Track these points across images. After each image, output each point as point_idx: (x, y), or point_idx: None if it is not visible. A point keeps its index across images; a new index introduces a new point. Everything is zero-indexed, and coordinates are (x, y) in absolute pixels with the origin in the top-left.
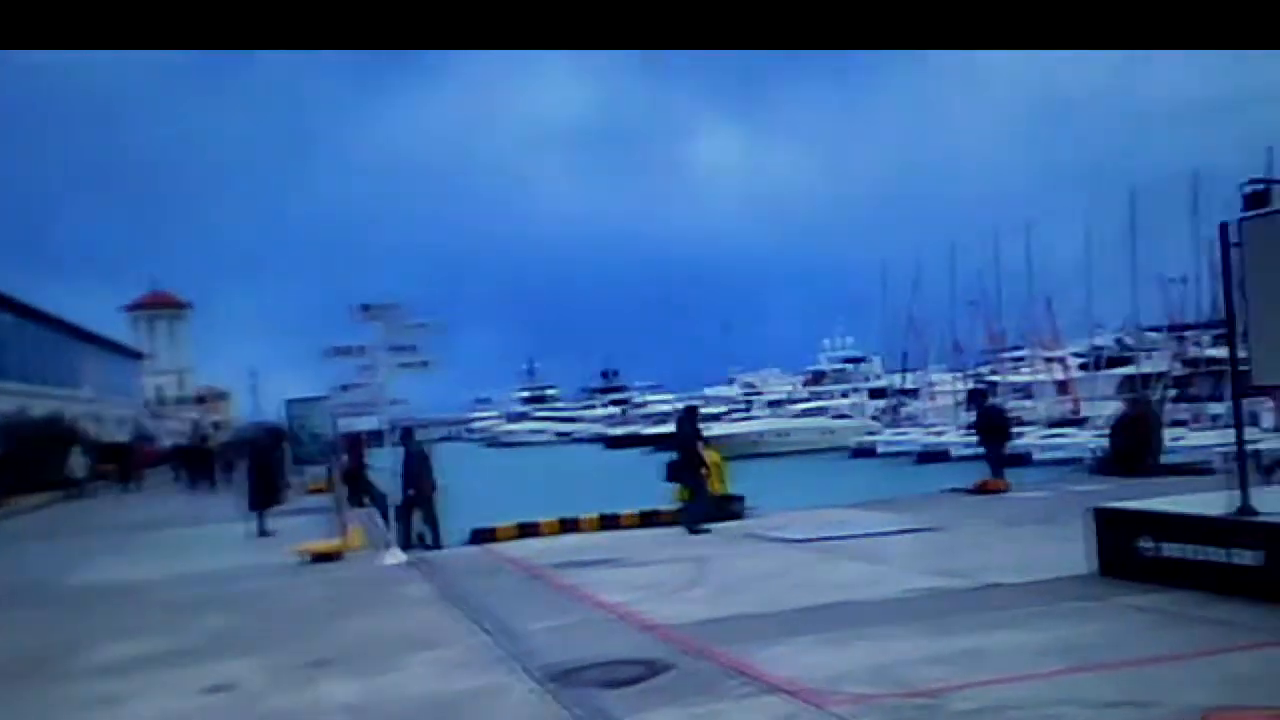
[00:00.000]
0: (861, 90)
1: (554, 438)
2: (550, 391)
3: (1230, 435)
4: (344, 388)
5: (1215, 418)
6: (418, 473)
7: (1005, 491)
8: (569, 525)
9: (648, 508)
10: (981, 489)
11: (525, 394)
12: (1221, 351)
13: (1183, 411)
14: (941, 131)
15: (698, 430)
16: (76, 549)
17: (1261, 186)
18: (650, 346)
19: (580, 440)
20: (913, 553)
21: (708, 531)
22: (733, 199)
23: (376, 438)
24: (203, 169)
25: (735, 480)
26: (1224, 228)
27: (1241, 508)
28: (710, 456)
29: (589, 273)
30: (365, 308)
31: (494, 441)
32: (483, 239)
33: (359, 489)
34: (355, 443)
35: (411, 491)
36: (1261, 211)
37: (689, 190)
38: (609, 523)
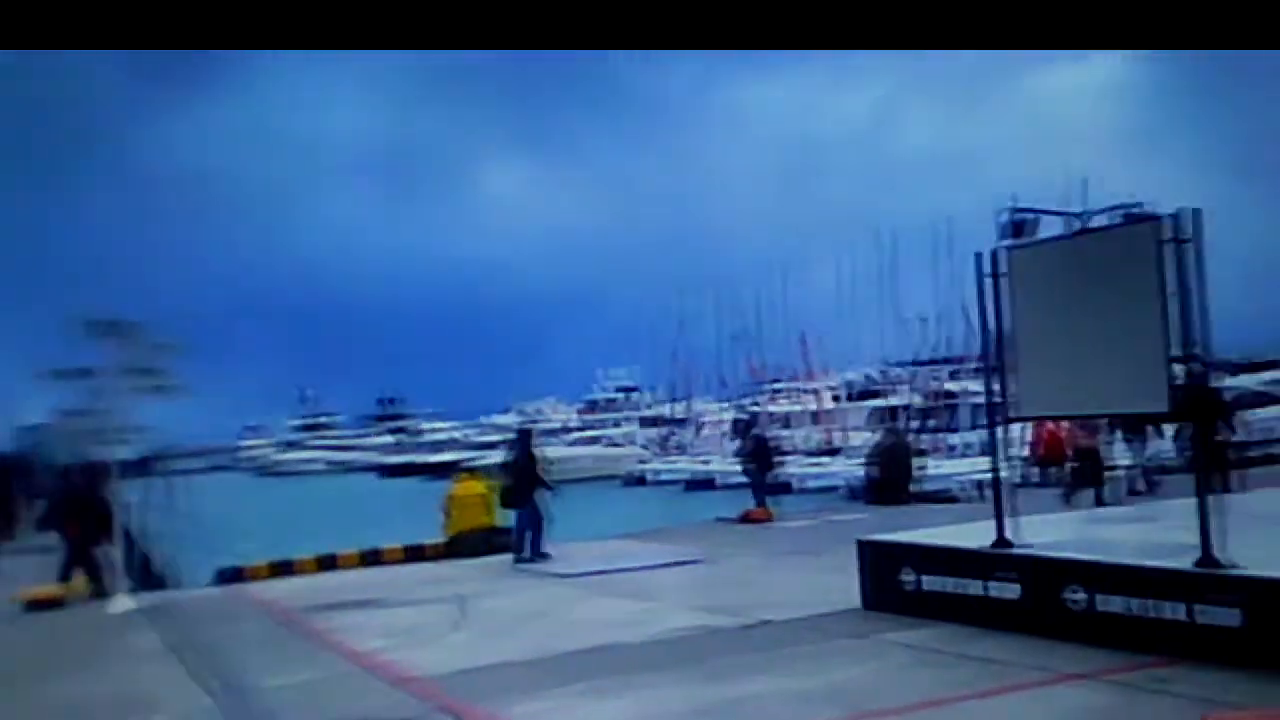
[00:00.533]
0: (641, 127)
1: (328, 467)
2: (326, 419)
3: (967, 464)
4: (67, 414)
5: (952, 448)
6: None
7: (770, 521)
8: (327, 563)
9: (413, 542)
10: (747, 519)
11: (299, 422)
12: (957, 385)
13: (924, 442)
14: (713, 172)
15: (533, 453)
16: None
17: (1022, 217)
18: (431, 373)
19: (357, 469)
20: (682, 587)
21: (548, 556)
22: (515, 227)
23: (138, 467)
24: None
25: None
26: (979, 258)
27: (998, 540)
28: (476, 487)
29: (370, 296)
30: (93, 325)
31: (266, 471)
32: (258, 257)
33: (99, 525)
34: (94, 473)
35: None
36: (1026, 241)
37: (472, 217)
38: (371, 559)
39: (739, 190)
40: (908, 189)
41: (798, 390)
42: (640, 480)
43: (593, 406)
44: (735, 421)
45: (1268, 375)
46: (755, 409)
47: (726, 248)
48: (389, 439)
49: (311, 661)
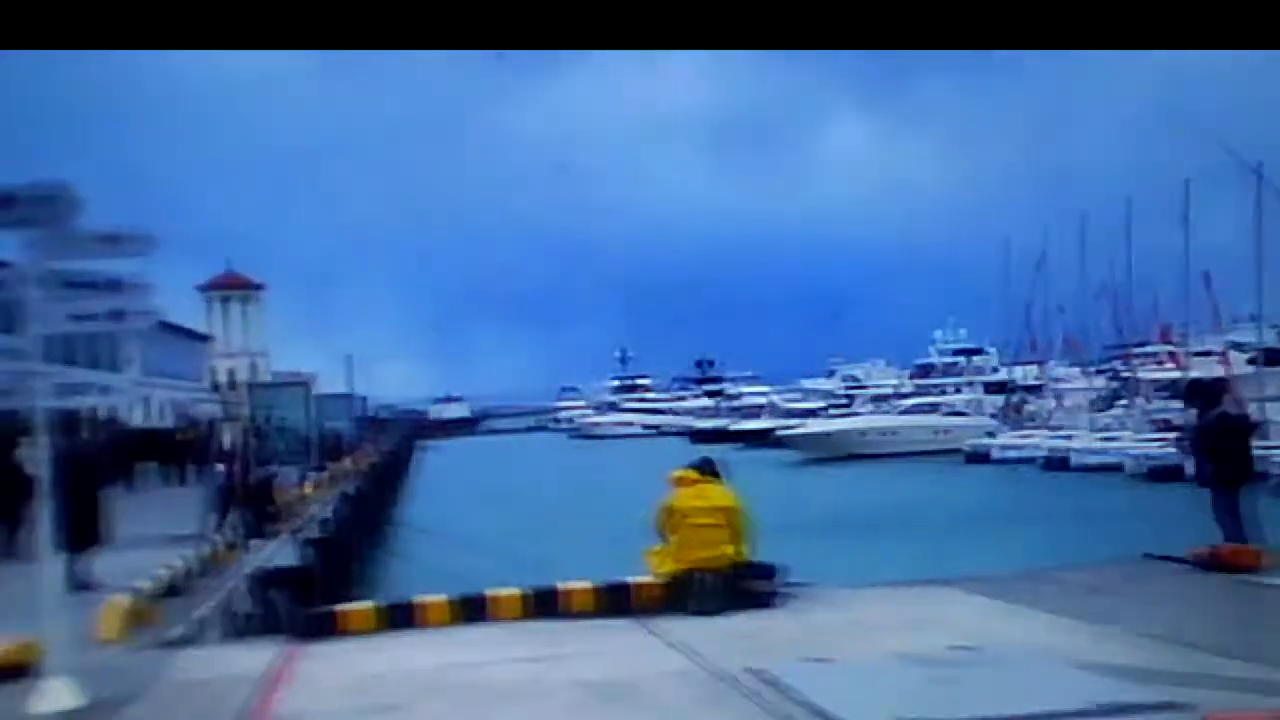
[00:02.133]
0: (992, 82)
1: (642, 430)
2: (643, 381)
3: None
4: None
5: None
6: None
7: (1258, 568)
8: (473, 609)
9: (619, 579)
10: (1219, 562)
11: (616, 384)
12: None
13: None
14: (1076, 122)
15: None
16: None
17: None
18: (750, 334)
19: (671, 434)
20: None
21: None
22: (846, 185)
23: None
24: (332, 155)
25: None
26: None
27: None
28: (713, 494)
29: (693, 259)
30: (4, 201)
31: (580, 434)
32: (590, 227)
33: (254, 508)
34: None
35: None
36: None
37: (799, 177)
38: (544, 606)
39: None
40: None
41: (1194, 352)
42: (984, 457)
43: (927, 371)
44: (1192, 385)
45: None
46: (1125, 375)
47: (1090, 187)
48: (705, 403)
49: None
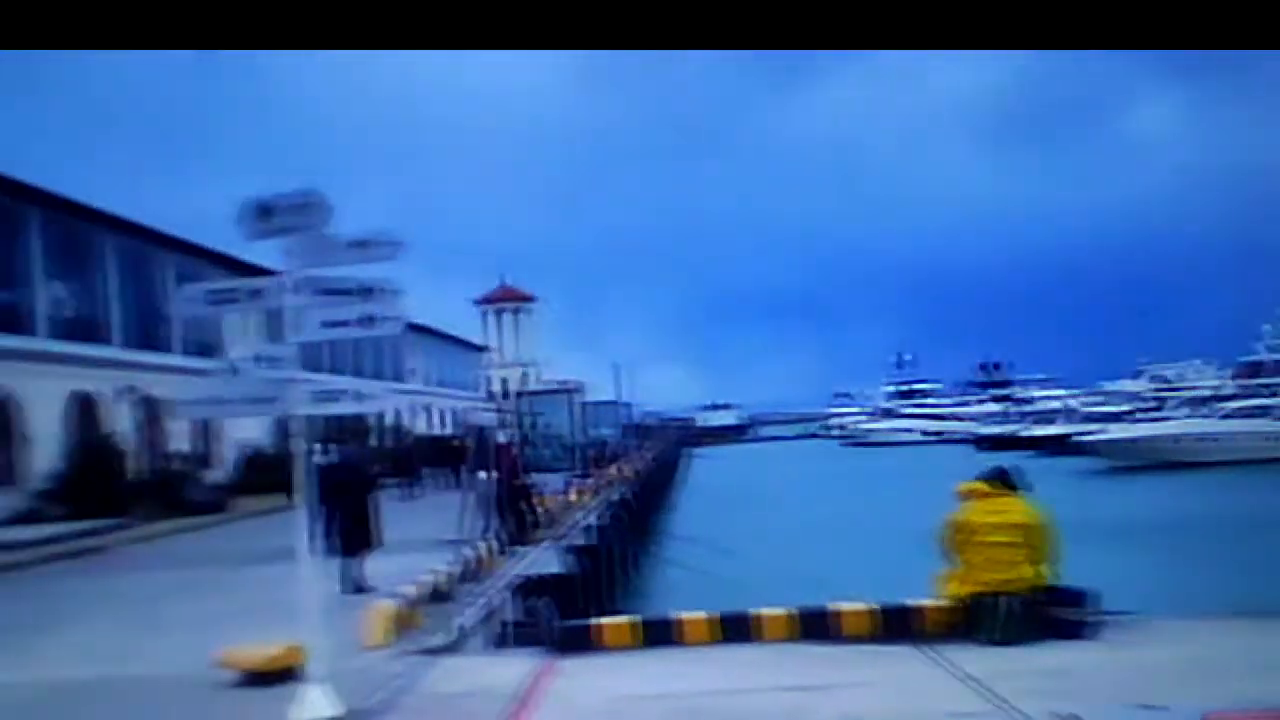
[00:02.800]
0: None
1: (922, 437)
2: (923, 385)
3: None
4: (234, 367)
5: None
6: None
7: None
8: (735, 628)
9: (898, 600)
10: None
11: (894, 388)
12: None
13: None
14: None
15: None
16: (99, 593)
17: None
18: (1042, 335)
19: (954, 441)
20: None
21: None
22: (1153, 175)
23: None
24: (600, 165)
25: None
26: None
27: None
28: (1010, 508)
29: (977, 252)
30: (263, 210)
31: (855, 441)
32: (868, 228)
33: (514, 511)
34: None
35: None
36: None
37: (1097, 168)
38: (814, 627)
39: None
40: None
41: None
42: None
43: (1254, 370)
44: None
45: None
46: None
47: None
48: (993, 408)
49: None
